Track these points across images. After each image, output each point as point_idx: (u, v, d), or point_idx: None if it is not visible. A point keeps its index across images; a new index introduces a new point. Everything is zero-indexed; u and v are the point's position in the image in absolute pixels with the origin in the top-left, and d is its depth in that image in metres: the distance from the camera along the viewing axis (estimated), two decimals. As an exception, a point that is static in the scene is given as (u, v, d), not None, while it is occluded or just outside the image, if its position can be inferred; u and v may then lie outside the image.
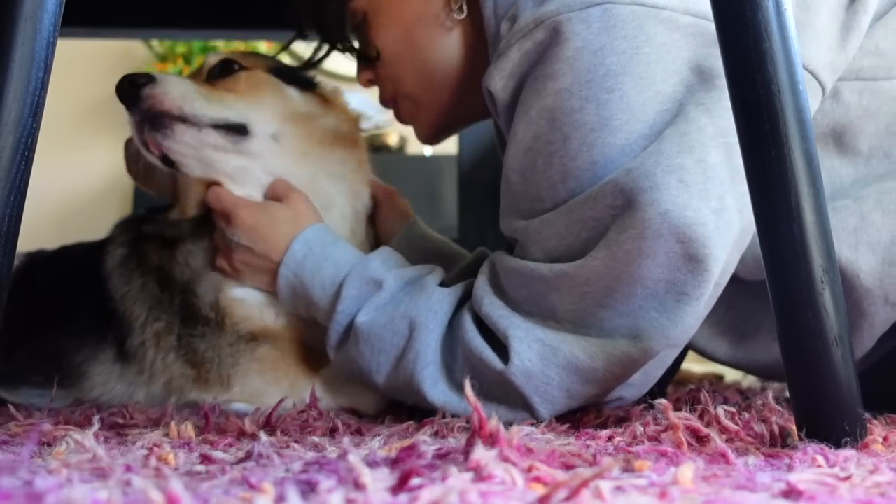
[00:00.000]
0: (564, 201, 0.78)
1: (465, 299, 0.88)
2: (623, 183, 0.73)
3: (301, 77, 1.15)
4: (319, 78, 1.20)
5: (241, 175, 1.05)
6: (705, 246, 0.72)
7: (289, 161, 1.07)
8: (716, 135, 0.72)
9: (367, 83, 1.07)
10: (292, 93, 1.12)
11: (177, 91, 1.00)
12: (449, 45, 0.96)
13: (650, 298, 0.74)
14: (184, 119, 0.99)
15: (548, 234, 0.79)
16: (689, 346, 0.96)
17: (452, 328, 0.86)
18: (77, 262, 1.20)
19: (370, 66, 1.03)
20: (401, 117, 1.07)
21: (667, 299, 0.74)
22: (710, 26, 0.72)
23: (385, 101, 1.07)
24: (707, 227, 0.71)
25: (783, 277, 0.60)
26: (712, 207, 0.72)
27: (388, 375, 0.88)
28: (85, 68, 3.32)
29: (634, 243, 0.73)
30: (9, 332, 1.08)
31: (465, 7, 0.94)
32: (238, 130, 1.03)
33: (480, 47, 0.94)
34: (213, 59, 1.11)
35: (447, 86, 0.98)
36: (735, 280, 0.80)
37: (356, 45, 1.06)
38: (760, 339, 0.91)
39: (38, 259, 1.23)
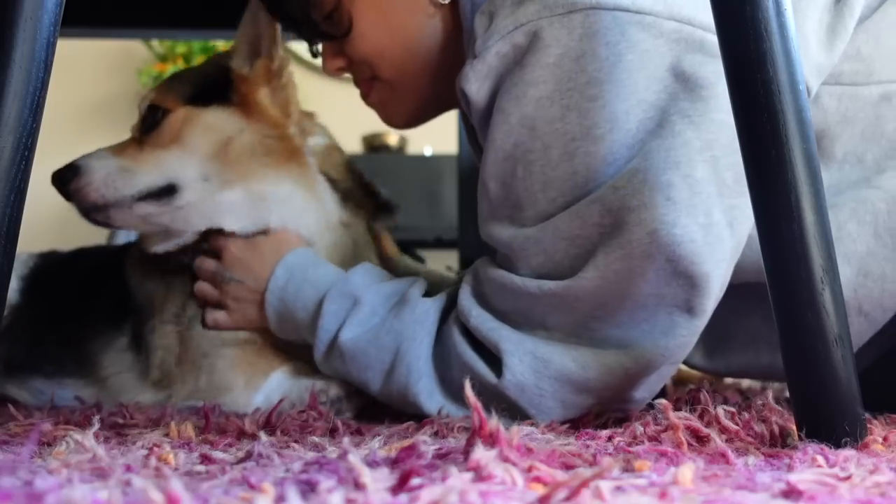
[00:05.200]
0: (545, 210, 0.77)
1: (451, 308, 0.87)
2: (610, 202, 0.73)
3: (217, 86, 1.08)
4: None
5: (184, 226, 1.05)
6: (694, 263, 0.71)
7: (222, 197, 1.03)
8: (702, 149, 0.72)
9: (337, 71, 1.01)
10: (212, 117, 1.06)
11: (98, 177, 1.01)
12: (429, 31, 0.93)
13: (641, 312, 0.74)
14: (109, 205, 1.02)
15: (534, 250, 0.78)
16: None
17: (441, 338, 0.85)
18: (97, 263, 1.23)
19: (340, 53, 0.97)
20: (370, 101, 1.02)
21: (658, 313, 0.74)
22: (695, 31, 0.72)
23: (361, 84, 1.02)
24: (696, 244, 0.71)
25: (783, 277, 0.60)
26: (700, 223, 0.71)
27: (379, 391, 0.87)
28: (85, 68, 3.33)
29: (624, 263, 0.72)
30: (29, 326, 1.11)
31: None
32: (167, 192, 1.03)
33: (458, 35, 0.91)
34: (143, 106, 1.08)
35: (425, 73, 0.95)
36: None
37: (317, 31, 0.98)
38: (736, 345, 0.90)
39: (55, 259, 1.25)
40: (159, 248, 1.07)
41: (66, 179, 1.02)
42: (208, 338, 1.04)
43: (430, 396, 0.84)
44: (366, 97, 1.02)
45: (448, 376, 0.84)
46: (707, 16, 0.71)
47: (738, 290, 0.80)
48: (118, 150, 1.06)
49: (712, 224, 0.72)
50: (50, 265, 1.23)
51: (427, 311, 0.86)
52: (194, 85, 1.09)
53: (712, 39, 0.71)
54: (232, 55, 1.10)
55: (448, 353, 0.84)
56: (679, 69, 0.73)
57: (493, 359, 0.80)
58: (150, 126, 1.06)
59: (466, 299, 0.83)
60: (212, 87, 1.08)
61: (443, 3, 0.91)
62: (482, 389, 0.79)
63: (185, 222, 1.04)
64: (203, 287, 1.04)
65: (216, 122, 1.05)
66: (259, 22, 1.08)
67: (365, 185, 1.15)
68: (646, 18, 0.72)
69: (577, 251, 0.75)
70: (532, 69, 0.75)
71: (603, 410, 0.81)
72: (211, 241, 1.05)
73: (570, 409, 0.79)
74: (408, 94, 0.98)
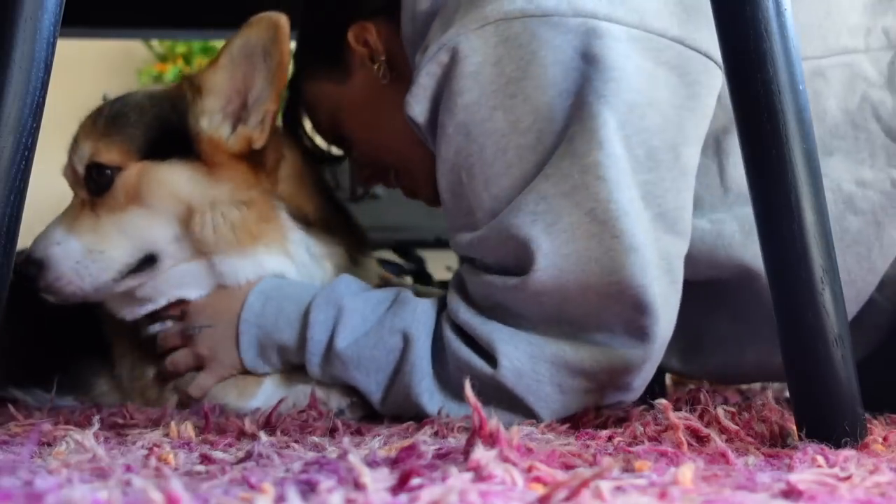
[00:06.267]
0: (492, 209, 0.79)
1: (443, 309, 0.88)
2: (543, 189, 0.76)
3: (176, 134, 0.95)
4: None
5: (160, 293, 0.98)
6: (635, 235, 0.74)
7: (188, 268, 0.96)
8: (617, 127, 0.75)
9: (368, 181, 1.11)
10: (173, 177, 0.94)
11: (68, 268, 0.91)
12: (389, 108, 0.95)
13: (604, 298, 0.76)
14: (89, 293, 0.93)
15: (483, 250, 0.81)
16: None
17: (437, 337, 0.86)
18: None
19: (364, 166, 1.08)
20: (407, 195, 1.10)
21: (621, 291, 0.75)
22: (600, 23, 0.76)
23: (391, 185, 1.10)
24: (629, 217, 0.74)
25: (783, 277, 0.60)
26: (627, 197, 0.74)
27: (384, 392, 0.87)
28: (85, 68, 3.32)
29: (570, 247, 0.75)
30: (20, 343, 1.06)
31: (387, 73, 0.97)
32: (147, 262, 0.95)
33: None
34: (80, 167, 0.96)
35: (412, 143, 0.93)
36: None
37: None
38: (705, 347, 0.91)
39: None
40: (129, 314, 1.00)
41: (32, 276, 0.92)
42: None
43: (431, 397, 0.84)
44: (405, 194, 1.11)
45: (445, 374, 0.85)
46: (608, 7, 0.76)
47: (698, 289, 0.82)
48: (73, 223, 0.95)
49: (633, 198, 0.75)
50: None
51: (427, 310, 0.87)
52: (146, 132, 0.95)
53: (616, 28, 0.76)
54: (199, 102, 0.95)
55: (444, 352, 0.85)
56: (590, 53, 0.76)
57: (488, 353, 0.81)
58: (100, 187, 0.94)
59: (454, 300, 0.85)
60: (169, 134, 0.95)
61: (385, 82, 0.98)
62: (480, 384, 0.79)
63: (156, 290, 0.97)
64: (175, 358, 0.98)
65: (177, 183, 0.94)
66: (254, 70, 0.95)
67: (339, 207, 1.10)
68: (552, 19, 0.77)
69: (515, 243, 0.77)
70: (457, 80, 0.79)
71: (603, 402, 0.81)
72: (163, 310, 0.99)
73: (569, 395, 0.79)
74: (422, 170, 1.01)
